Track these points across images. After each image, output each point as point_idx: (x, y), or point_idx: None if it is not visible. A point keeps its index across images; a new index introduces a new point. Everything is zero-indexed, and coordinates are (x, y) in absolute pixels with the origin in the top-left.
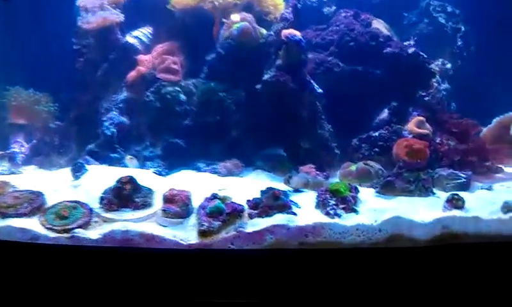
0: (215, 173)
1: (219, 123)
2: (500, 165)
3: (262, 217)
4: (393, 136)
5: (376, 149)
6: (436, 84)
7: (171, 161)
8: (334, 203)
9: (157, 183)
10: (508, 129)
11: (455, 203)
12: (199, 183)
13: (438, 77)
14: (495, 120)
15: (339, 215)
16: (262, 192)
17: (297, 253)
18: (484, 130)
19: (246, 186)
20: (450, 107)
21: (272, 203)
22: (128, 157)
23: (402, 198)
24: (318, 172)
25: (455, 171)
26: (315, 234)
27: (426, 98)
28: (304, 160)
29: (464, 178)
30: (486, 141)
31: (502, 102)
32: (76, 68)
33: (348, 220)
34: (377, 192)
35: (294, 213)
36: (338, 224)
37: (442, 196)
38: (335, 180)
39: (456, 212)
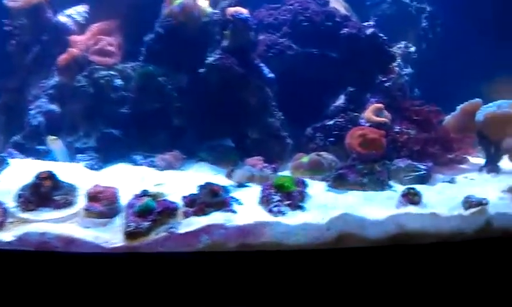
0: (153, 166)
1: (159, 110)
2: (465, 156)
3: (198, 216)
4: (349, 125)
5: (331, 138)
6: (397, 69)
7: (107, 153)
8: (278, 199)
9: (87, 178)
10: (473, 117)
11: (411, 198)
12: (132, 178)
13: (400, 60)
14: (459, 107)
15: (283, 213)
16: (200, 187)
17: (236, 256)
18: (448, 118)
19: (185, 180)
20: (413, 93)
21: (210, 199)
22: (52, 137)
23: (355, 193)
24: (266, 164)
25: (414, 163)
26: (256, 234)
27: (386, 84)
28: (253, 152)
29: (424, 170)
30: (450, 130)
31: (469, 87)
32: (8, 51)
33: (293, 218)
34: (328, 185)
35: (234, 211)
36: (281, 223)
37: (400, 189)
38: (286, 172)
39: (411, 208)
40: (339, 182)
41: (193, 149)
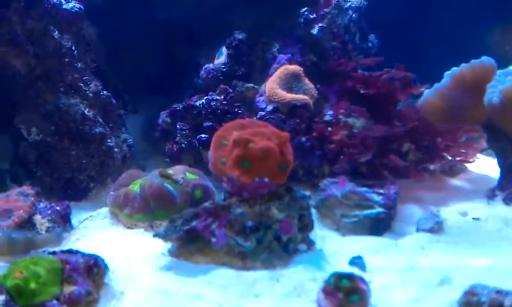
0: None
1: None
2: (461, 159)
3: None
4: (235, 107)
5: (203, 135)
6: None
7: None
8: None
9: None
10: (478, 94)
11: (342, 298)
12: None
13: None
14: (449, 74)
15: None
16: None
17: None
18: (428, 94)
19: None
20: (364, 44)
21: None
22: None
23: (223, 274)
24: (44, 204)
25: (359, 189)
26: None
27: (312, 27)
28: (39, 168)
29: (381, 204)
30: (431, 117)
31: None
32: None
33: None
34: (169, 253)
35: None
36: None
37: (334, 245)
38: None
39: None
40: (190, 249)
41: None
